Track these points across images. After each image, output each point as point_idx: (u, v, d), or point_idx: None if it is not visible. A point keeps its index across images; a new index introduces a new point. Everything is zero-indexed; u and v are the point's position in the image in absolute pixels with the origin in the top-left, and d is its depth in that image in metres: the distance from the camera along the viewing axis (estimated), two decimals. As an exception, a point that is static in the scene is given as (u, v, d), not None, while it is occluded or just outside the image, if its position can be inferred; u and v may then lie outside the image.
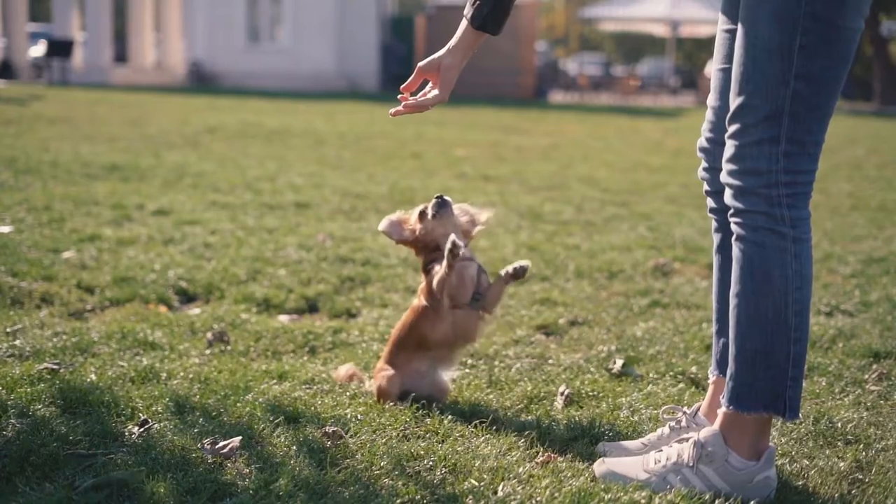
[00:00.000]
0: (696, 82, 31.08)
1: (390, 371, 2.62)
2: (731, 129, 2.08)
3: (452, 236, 2.48)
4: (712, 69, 2.32)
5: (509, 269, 2.61)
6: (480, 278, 2.61)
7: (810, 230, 2.10)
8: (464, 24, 2.29)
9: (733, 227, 2.12)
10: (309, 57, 28.13)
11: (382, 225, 2.68)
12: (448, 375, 2.71)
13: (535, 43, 28.37)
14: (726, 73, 2.24)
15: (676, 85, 32.37)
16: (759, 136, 2.03)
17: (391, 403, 2.58)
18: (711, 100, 2.31)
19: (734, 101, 2.07)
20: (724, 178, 2.11)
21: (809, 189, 2.09)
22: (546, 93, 28.49)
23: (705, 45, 39.44)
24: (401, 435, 2.37)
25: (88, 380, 2.66)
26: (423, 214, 2.64)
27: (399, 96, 2.38)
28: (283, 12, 28.50)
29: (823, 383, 2.89)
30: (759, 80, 2.02)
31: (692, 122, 17.45)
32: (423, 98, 2.35)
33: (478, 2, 2.25)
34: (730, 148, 2.09)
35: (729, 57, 2.23)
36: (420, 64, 2.36)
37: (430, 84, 2.37)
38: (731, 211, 2.12)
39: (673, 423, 2.36)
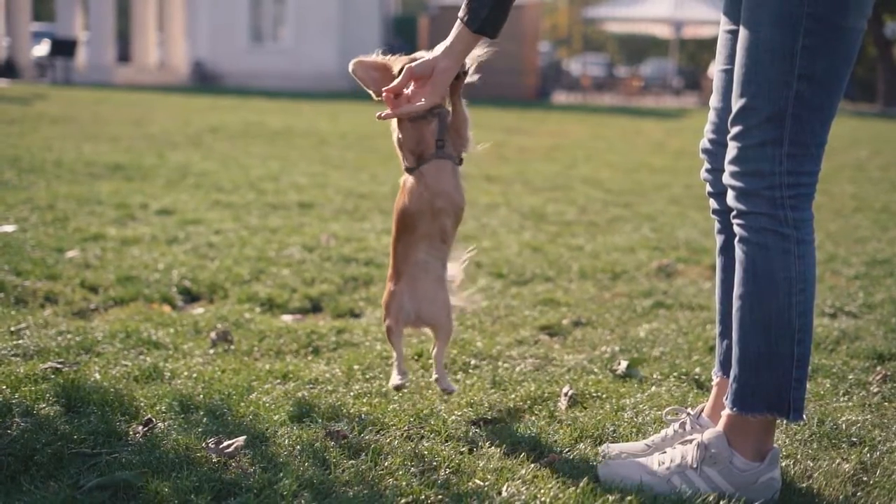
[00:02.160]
0: (699, 83, 31.07)
1: (390, 287, 2.45)
2: (734, 130, 2.08)
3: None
4: (714, 70, 2.32)
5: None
6: (444, 125, 2.39)
7: (813, 231, 2.10)
8: (459, 26, 2.21)
9: (736, 229, 2.12)
10: (311, 57, 28.15)
11: (351, 65, 2.40)
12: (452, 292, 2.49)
13: (538, 43, 28.35)
14: (728, 74, 2.24)
15: (679, 86, 32.37)
16: (762, 137, 2.03)
17: (396, 326, 2.44)
18: (714, 101, 2.30)
19: (736, 103, 2.07)
20: (726, 179, 2.11)
21: (812, 190, 2.08)
22: (549, 93, 28.50)
23: (708, 45, 39.39)
24: (404, 435, 2.37)
25: (92, 379, 2.67)
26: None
27: (383, 97, 2.29)
28: (286, 12, 28.52)
29: (827, 385, 2.89)
30: (761, 81, 2.01)
31: (695, 123, 17.44)
32: (418, 105, 2.27)
33: (475, 3, 2.18)
34: (732, 150, 2.09)
35: (731, 58, 2.23)
36: (411, 66, 2.26)
37: (412, 86, 2.28)
38: (734, 213, 2.11)
39: (676, 425, 2.36)
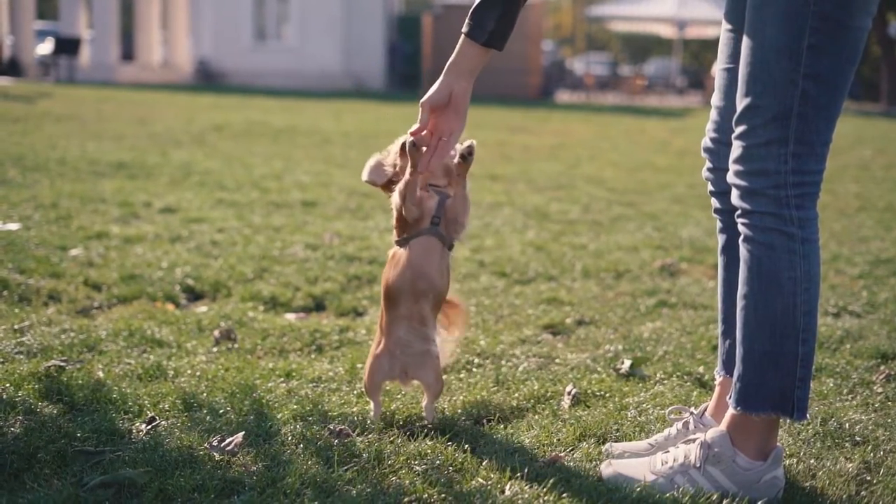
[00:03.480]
0: (702, 82, 31.04)
1: (374, 350, 2.47)
2: (738, 129, 2.07)
3: (407, 136, 2.32)
4: (717, 69, 2.31)
5: (457, 157, 2.42)
6: (442, 205, 2.45)
7: (818, 231, 2.09)
8: (463, 41, 2.16)
9: (741, 228, 2.11)
10: (315, 56, 28.15)
11: (365, 174, 2.54)
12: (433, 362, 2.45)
13: (541, 42, 28.35)
14: (731, 72, 2.23)
15: (683, 85, 32.34)
16: (767, 136, 2.02)
17: (379, 385, 2.46)
18: (716, 100, 2.30)
19: (741, 102, 2.06)
20: (731, 178, 2.11)
21: (817, 189, 2.08)
22: (552, 92, 28.49)
23: (712, 45, 39.29)
24: (408, 434, 2.37)
25: (96, 377, 2.67)
26: (404, 147, 2.46)
27: (413, 140, 2.27)
28: (290, 11, 28.52)
29: (831, 384, 2.89)
30: (766, 80, 2.01)
31: (698, 123, 17.42)
32: (453, 139, 2.25)
33: (479, 17, 2.14)
34: (737, 149, 2.08)
35: (733, 56, 2.22)
36: (425, 100, 2.21)
37: (426, 115, 2.23)
38: (739, 212, 2.11)
39: (680, 425, 2.36)
